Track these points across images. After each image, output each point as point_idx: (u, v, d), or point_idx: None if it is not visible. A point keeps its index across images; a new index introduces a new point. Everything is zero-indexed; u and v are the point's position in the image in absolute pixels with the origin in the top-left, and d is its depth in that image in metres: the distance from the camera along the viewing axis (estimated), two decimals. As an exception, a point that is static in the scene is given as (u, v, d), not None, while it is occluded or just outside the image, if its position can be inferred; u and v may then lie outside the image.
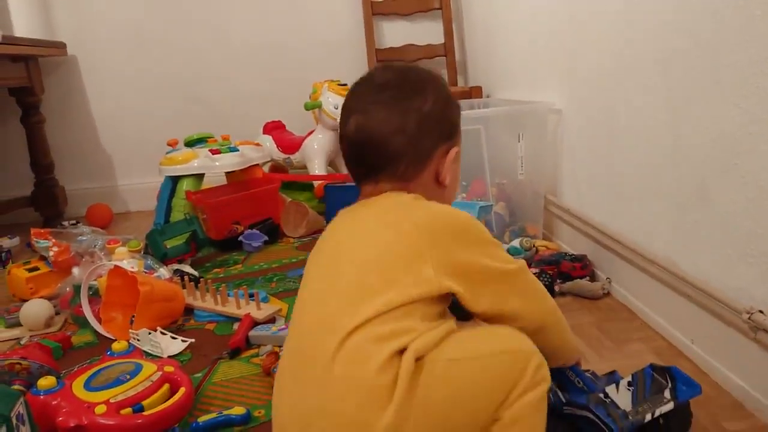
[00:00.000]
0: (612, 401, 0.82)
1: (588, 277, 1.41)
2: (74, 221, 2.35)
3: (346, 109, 0.84)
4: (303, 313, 0.76)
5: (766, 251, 0.89)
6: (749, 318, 0.89)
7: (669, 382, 0.82)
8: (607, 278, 1.39)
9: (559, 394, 0.88)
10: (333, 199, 2.06)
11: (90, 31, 2.56)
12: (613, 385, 0.85)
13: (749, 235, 0.92)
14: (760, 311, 0.88)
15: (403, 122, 0.80)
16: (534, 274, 1.34)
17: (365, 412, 0.63)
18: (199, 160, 2.03)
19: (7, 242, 2.11)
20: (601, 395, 0.83)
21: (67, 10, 2.53)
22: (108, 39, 2.57)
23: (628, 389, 0.83)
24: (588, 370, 0.92)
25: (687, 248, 1.10)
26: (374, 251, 0.73)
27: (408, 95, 0.83)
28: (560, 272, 1.43)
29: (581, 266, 1.42)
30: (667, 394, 0.81)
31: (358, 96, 0.85)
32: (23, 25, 2.43)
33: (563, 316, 0.84)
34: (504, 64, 2.16)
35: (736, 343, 0.96)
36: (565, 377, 0.89)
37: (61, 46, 2.45)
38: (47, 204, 2.44)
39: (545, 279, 1.38)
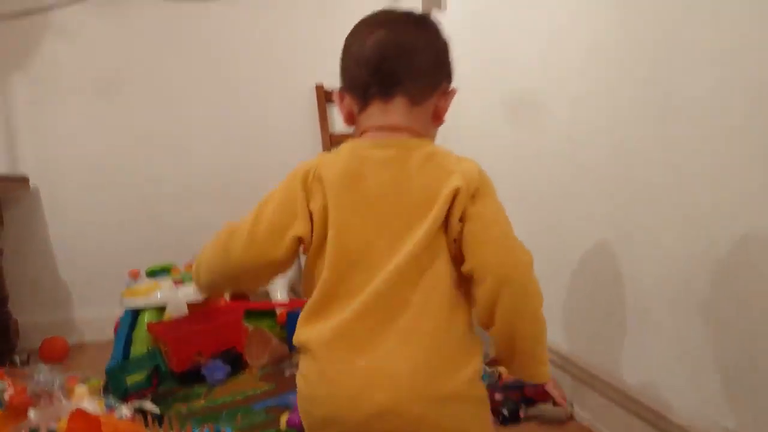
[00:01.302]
0: None
1: (552, 402, 1.45)
2: (26, 356, 2.28)
3: (365, 30, 0.89)
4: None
5: (716, 374, 0.96)
6: (705, 443, 0.94)
7: None
8: (570, 402, 1.43)
9: None
10: (296, 326, 2.07)
11: (53, 163, 2.60)
12: None
13: (699, 357, 0.99)
14: (715, 436, 0.93)
15: (427, 43, 0.89)
16: (498, 400, 1.38)
17: None
18: (162, 292, 2.03)
19: (-47, 382, 2.01)
20: None
21: (31, 143, 2.58)
22: (70, 170, 2.61)
23: None
24: None
25: (639, 371, 1.16)
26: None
27: (428, 27, 0.92)
28: (524, 397, 1.46)
29: (544, 390, 1.46)
30: None
31: (378, 20, 0.90)
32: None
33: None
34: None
35: (696, 467, 1.00)
36: None
37: (23, 180, 2.47)
38: (-1, 338, 2.36)
39: (510, 405, 1.41)
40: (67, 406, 1.40)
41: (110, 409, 1.52)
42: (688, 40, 0.99)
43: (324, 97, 2.76)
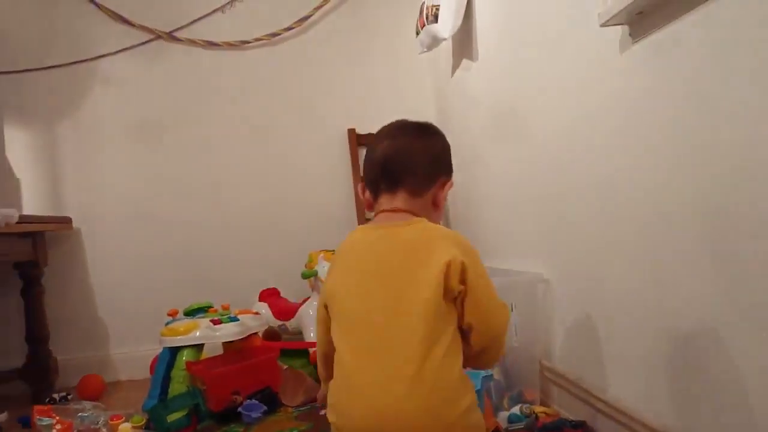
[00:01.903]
0: None
1: (589, 443, 1.46)
2: (64, 393, 2.33)
3: (378, 139, 1.16)
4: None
5: (753, 416, 0.97)
6: (751, 486, 0.94)
7: None
8: (604, 445, 1.43)
9: None
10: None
11: (95, 205, 2.71)
12: None
13: (738, 402, 1.00)
14: (760, 479, 0.94)
15: (424, 148, 1.14)
16: (538, 443, 1.39)
17: None
18: (200, 331, 2.07)
19: (-4, 417, 2.07)
20: None
21: (75, 186, 2.70)
22: (112, 212, 2.72)
23: None
24: None
25: (680, 415, 1.17)
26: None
27: (427, 135, 1.18)
28: (562, 439, 1.47)
29: (582, 432, 1.47)
30: None
31: (387, 131, 1.17)
32: (33, 202, 2.58)
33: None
34: (486, 234, 2.32)
35: None
36: None
37: (67, 221, 2.57)
38: (39, 376, 2.40)
39: (549, 447, 1.42)
40: (113, 443, 1.44)
41: (153, 446, 1.57)
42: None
43: (356, 140, 2.83)
